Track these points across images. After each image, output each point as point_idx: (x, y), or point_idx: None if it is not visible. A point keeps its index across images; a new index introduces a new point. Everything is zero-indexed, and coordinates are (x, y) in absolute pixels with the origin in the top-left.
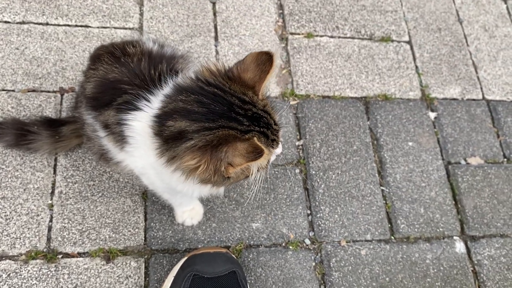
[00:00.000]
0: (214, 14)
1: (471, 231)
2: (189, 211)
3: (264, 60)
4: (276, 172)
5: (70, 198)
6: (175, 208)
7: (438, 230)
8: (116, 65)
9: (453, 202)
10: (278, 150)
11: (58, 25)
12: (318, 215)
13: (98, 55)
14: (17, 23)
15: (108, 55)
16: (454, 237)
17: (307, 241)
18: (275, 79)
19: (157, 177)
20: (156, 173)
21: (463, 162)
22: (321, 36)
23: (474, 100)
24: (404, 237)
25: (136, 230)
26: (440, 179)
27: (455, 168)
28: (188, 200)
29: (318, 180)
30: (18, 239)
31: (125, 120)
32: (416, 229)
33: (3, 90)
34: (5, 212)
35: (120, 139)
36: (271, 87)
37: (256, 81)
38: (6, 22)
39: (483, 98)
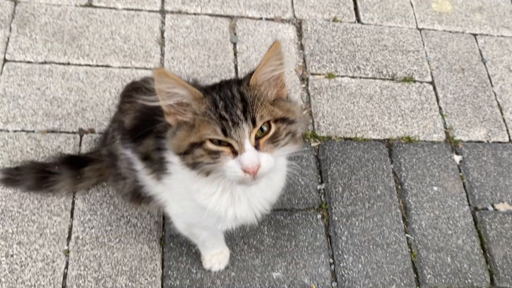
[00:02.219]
0: (235, 54)
1: (502, 282)
2: (217, 255)
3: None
4: (297, 218)
5: (87, 243)
6: (203, 253)
7: (466, 281)
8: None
9: (482, 251)
10: (237, 136)
11: (80, 65)
12: (341, 264)
13: (134, 89)
14: (39, 63)
15: (144, 88)
16: None
17: None
18: None
19: (189, 201)
20: (187, 193)
21: (490, 208)
22: (342, 76)
23: (500, 142)
24: None
25: (153, 278)
26: (467, 226)
27: (483, 214)
28: (218, 242)
29: (341, 227)
30: (33, 287)
31: (164, 144)
32: (443, 280)
33: (23, 130)
34: (21, 258)
35: (158, 168)
36: None
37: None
38: (28, 62)
39: (510, 140)
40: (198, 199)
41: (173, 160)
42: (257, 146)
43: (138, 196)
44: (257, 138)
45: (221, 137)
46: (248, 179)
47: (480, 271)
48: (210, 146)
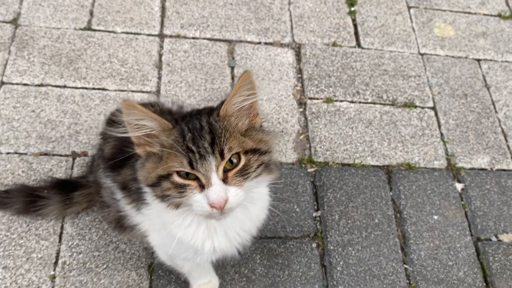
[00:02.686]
0: (232, 78)
1: None
2: (205, 285)
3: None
4: (291, 246)
5: (74, 269)
6: (192, 282)
7: None
8: None
9: (484, 284)
10: (203, 169)
11: (76, 87)
12: None
13: (116, 116)
14: (36, 85)
15: (111, 120)
16: None
17: None
18: (292, 144)
19: (166, 232)
20: (165, 225)
21: (494, 239)
22: (341, 101)
23: (504, 170)
24: None
25: None
26: (469, 257)
27: (486, 245)
28: (205, 272)
29: (337, 257)
30: None
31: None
32: None
33: (16, 153)
34: (5, 283)
35: (137, 198)
36: (288, 153)
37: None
38: (25, 84)
39: None
40: (172, 230)
41: (147, 191)
42: (225, 179)
43: (121, 225)
44: (226, 171)
45: (187, 169)
46: (216, 214)
47: None
48: (177, 179)
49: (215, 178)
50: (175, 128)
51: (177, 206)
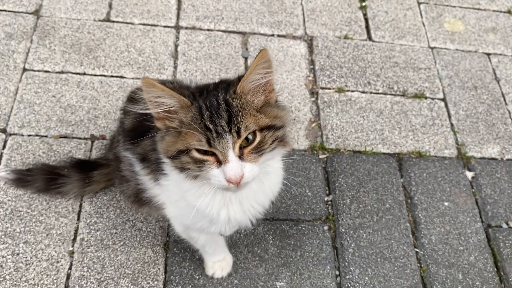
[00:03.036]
0: (246, 68)
1: None
2: (220, 262)
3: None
4: (303, 228)
5: (92, 245)
6: (206, 259)
7: None
8: None
9: (495, 268)
10: (221, 146)
11: (95, 75)
12: (347, 277)
13: (137, 94)
14: (56, 72)
15: (132, 98)
16: None
17: None
18: (304, 132)
19: (183, 201)
20: (183, 193)
21: (504, 225)
22: (353, 91)
23: None
24: None
25: (155, 282)
26: (479, 243)
27: (496, 232)
28: (219, 248)
29: (348, 239)
30: (36, 286)
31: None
32: None
33: (37, 135)
34: (26, 257)
35: (155, 168)
36: (300, 140)
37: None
38: (46, 71)
39: None
40: (189, 198)
41: (166, 161)
42: (241, 156)
43: (139, 199)
44: (242, 148)
45: (205, 147)
46: (232, 188)
47: None
48: (196, 155)
49: (232, 155)
50: (193, 105)
51: (195, 177)
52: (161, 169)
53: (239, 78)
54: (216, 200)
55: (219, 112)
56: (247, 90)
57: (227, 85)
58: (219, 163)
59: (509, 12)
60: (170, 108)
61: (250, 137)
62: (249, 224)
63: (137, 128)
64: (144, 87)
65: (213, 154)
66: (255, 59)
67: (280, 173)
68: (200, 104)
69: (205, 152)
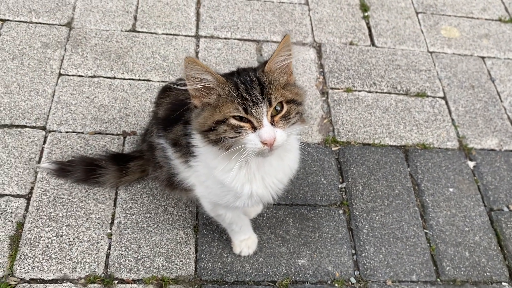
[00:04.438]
0: None
1: None
2: (246, 241)
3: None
4: (320, 212)
5: (128, 228)
6: (233, 238)
7: (485, 274)
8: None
9: (499, 247)
10: (256, 113)
11: (124, 78)
12: (363, 255)
13: (168, 87)
14: (89, 76)
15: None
16: (503, 283)
17: (353, 280)
18: (317, 127)
19: (211, 179)
20: (210, 171)
21: (506, 209)
22: (360, 91)
23: None
24: (450, 279)
25: (188, 260)
26: (483, 225)
27: (498, 214)
28: (244, 227)
29: (362, 221)
30: (79, 264)
31: (191, 129)
32: (462, 272)
33: (74, 132)
34: (69, 238)
35: (186, 152)
36: (314, 134)
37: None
38: (80, 76)
39: None
40: (217, 174)
41: (197, 143)
42: (272, 123)
43: (171, 183)
44: (272, 116)
45: (243, 114)
46: (266, 151)
47: (498, 265)
48: (233, 122)
49: (266, 121)
50: (229, 82)
51: (228, 148)
52: (191, 152)
53: (265, 62)
54: (241, 175)
55: (253, 85)
56: (274, 69)
57: (254, 68)
58: (254, 128)
59: (500, 20)
60: (208, 85)
61: (278, 108)
62: (271, 199)
63: (169, 117)
64: (186, 64)
65: (248, 121)
66: (280, 43)
67: (297, 152)
68: (235, 80)
69: (241, 120)
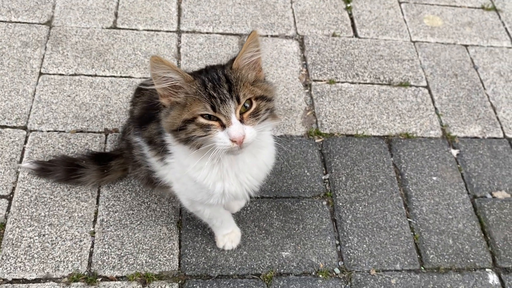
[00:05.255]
0: None
1: (504, 263)
2: (229, 235)
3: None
4: (304, 204)
5: (111, 225)
6: (216, 232)
7: (468, 261)
8: None
9: (482, 234)
10: (224, 111)
11: (105, 76)
12: (347, 245)
13: (144, 84)
14: (70, 75)
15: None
16: (487, 269)
17: (337, 270)
18: (300, 120)
19: (185, 177)
20: (183, 169)
21: (489, 196)
22: (342, 82)
23: (495, 138)
24: (434, 267)
25: (171, 256)
26: (466, 212)
27: (481, 201)
28: (226, 222)
29: (346, 212)
30: (62, 262)
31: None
32: (446, 260)
33: (55, 131)
34: (51, 238)
35: (161, 150)
36: (297, 127)
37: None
38: (60, 74)
39: (504, 136)
40: (189, 172)
41: (170, 142)
42: (241, 120)
43: (151, 181)
44: (241, 113)
45: (211, 112)
46: (235, 148)
47: (481, 252)
48: (202, 120)
49: (234, 119)
50: (196, 80)
51: (199, 146)
52: (166, 150)
53: (232, 59)
54: (213, 173)
55: (220, 83)
56: (242, 66)
57: (221, 65)
58: (223, 126)
59: (482, 8)
60: (175, 84)
61: (247, 105)
62: (246, 196)
63: (144, 116)
64: (152, 63)
65: (217, 120)
66: (247, 40)
67: (272, 148)
68: (203, 78)
69: (209, 118)
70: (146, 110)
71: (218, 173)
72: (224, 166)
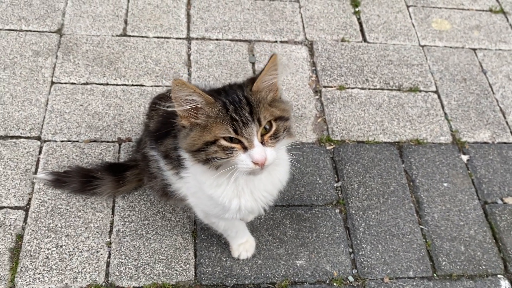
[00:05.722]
0: (254, 72)
1: None
2: (243, 245)
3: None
4: (317, 212)
5: (127, 236)
6: (231, 242)
7: (480, 268)
8: None
9: (494, 240)
10: (247, 134)
11: (117, 84)
12: (360, 253)
13: (159, 98)
14: (82, 84)
15: (167, 97)
16: (498, 276)
17: (351, 278)
18: (311, 126)
19: (201, 192)
20: (199, 185)
21: (499, 201)
22: (352, 88)
23: (505, 143)
24: (446, 274)
25: (187, 266)
26: (478, 218)
27: (492, 207)
28: (240, 232)
29: (358, 219)
30: (80, 274)
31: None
32: (458, 267)
33: (69, 140)
34: (69, 249)
35: (177, 164)
36: (308, 134)
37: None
38: (72, 83)
39: None
40: (205, 188)
41: (186, 157)
42: (262, 142)
43: (166, 193)
44: (262, 135)
45: (233, 135)
46: (257, 170)
47: (493, 258)
48: (224, 143)
49: (256, 141)
50: (217, 102)
51: (217, 167)
52: (182, 165)
53: (252, 79)
54: (229, 190)
55: (242, 105)
56: (261, 88)
57: (239, 85)
58: (245, 149)
59: (490, 10)
60: (197, 105)
61: (267, 126)
62: (262, 211)
63: (160, 130)
64: (175, 86)
65: (238, 142)
66: (268, 63)
67: (287, 164)
68: (224, 100)
69: (231, 140)
70: (162, 124)
71: (234, 191)
72: (240, 183)
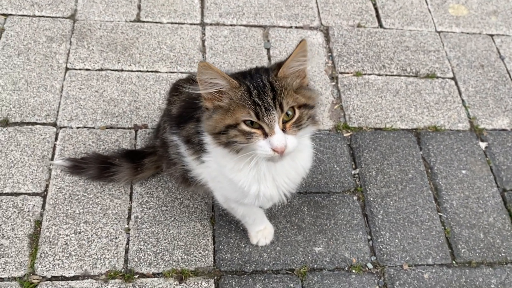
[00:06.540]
0: (269, 58)
1: None
2: (262, 231)
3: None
4: (335, 199)
5: (145, 222)
6: (249, 229)
7: (500, 255)
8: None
9: None
10: (268, 120)
11: (132, 71)
12: (379, 240)
13: (180, 84)
14: (96, 70)
15: (190, 81)
16: None
17: (370, 265)
18: (328, 113)
19: (221, 176)
20: (220, 169)
21: None
22: (369, 74)
23: None
24: (465, 261)
25: (206, 252)
26: (497, 205)
27: (511, 195)
28: (258, 219)
29: (377, 207)
30: (99, 260)
31: (202, 127)
32: (477, 254)
33: (85, 127)
34: (87, 235)
35: (199, 149)
36: (325, 121)
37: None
38: (87, 69)
39: None
40: (226, 172)
41: (208, 141)
42: (283, 129)
43: (186, 179)
44: (284, 122)
45: (254, 119)
46: (276, 157)
47: None
48: (244, 127)
49: (277, 128)
50: (242, 86)
51: (238, 151)
52: (203, 149)
53: (279, 64)
54: (250, 175)
55: (265, 91)
56: (287, 74)
57: (266, 70)
58: (265, 135)
59: None
60: (221, 89)
61: (290, 113)
62: (283, 198)
63: (182, 115)
64: (200, 69)
65: (259, 127)
66: (296, 48)
67: (310, 150)
68: (248, 85)
69: (252, 125)
70: (184, 109)
71: (255, 176)
72: (261, 169)
